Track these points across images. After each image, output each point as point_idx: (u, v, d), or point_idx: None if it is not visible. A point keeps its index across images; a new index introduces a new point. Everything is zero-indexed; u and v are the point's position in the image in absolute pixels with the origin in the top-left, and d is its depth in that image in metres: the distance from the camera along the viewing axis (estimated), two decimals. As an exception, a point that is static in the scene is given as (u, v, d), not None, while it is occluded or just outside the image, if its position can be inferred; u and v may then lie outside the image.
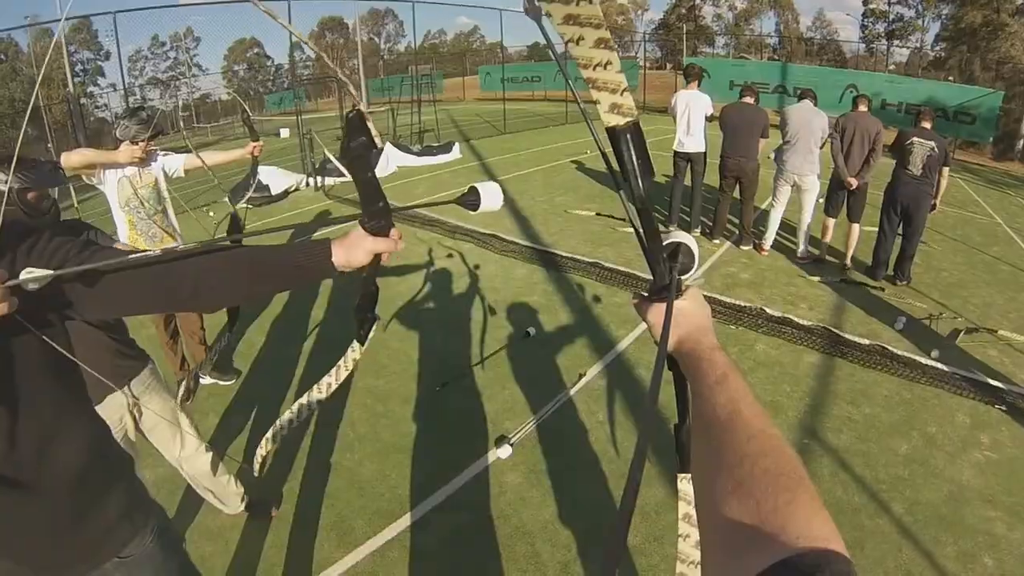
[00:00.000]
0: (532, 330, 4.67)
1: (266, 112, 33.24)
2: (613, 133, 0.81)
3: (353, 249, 1.27)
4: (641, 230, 0.87)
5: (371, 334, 1.46)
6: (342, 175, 9.68)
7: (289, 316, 5.21)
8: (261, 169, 9.13)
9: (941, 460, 3.65)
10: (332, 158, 9.74)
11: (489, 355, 4.30)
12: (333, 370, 1.56)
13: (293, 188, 9.43)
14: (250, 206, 8.56)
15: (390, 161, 10.98)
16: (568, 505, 3.02)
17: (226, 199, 8.84)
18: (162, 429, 2.54)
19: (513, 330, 4.73)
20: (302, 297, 5.46)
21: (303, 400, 1.56)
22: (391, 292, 5.44)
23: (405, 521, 2.98)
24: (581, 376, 4.08)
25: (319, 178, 9.72)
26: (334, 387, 1.54)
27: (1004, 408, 4.26)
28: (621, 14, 62.85)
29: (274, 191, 8.95)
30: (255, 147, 3.33)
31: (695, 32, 49.71)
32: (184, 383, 3.94)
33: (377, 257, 1.30)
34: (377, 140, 1.28)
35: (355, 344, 1.50)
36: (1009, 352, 5.20)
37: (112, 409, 2.30)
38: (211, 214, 8.27)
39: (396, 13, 59.60)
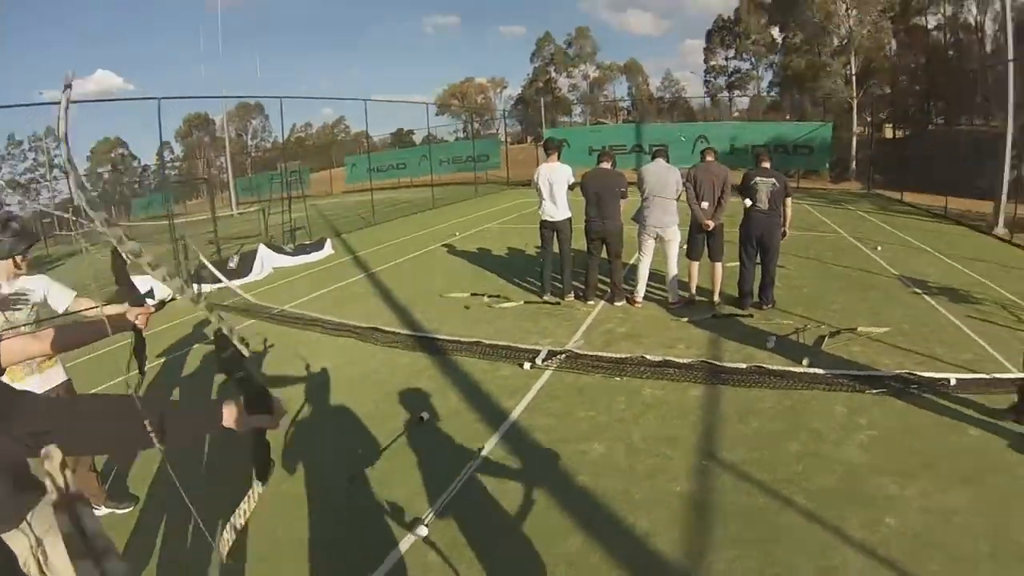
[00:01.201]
0: (425, 414, 4.82)
1: (132, 217, 32.00)
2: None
3: (241, 420, 1.63)
4: None
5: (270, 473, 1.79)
6: (219, 281, 9.56)
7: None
8: (138, 278, 8.93)
9: (829, 448, 4.15)
10: (208, 264, 9.63)
11: (389, 444, 4.43)
12: (243, 503, 1.79)
13: (169, 298, 9.19)
14: None
15: (265, 264, 10.93)
16: (493, 570, 3.18)
17: None
18: None
19: (408, 416, 4.88)
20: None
21: (225, 534, 1.77)
22: (283, 394, 5.46)
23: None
24: (480, 450, 4.27)
25: (196, 286, 9.53)
26: (246, 517, 1.78)
27: (875, 391, 4.95)
28: (481, 93, 66.07)
29: (150, 302, 8.69)
30: (142, 313, 2.60)
31: (552, 104, 52.86)
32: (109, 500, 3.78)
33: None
34: (244, 351, 1.66)
35: (256, 484, 1.80)
36: (870, 344, 6.02)
37: (20, 543, 1.98)
38: None
39: (263, 106, 59.92)
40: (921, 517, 3.38)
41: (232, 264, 10.54)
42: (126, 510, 3.95)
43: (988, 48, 35.17)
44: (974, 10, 36.89)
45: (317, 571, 3.25)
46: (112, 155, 55.96)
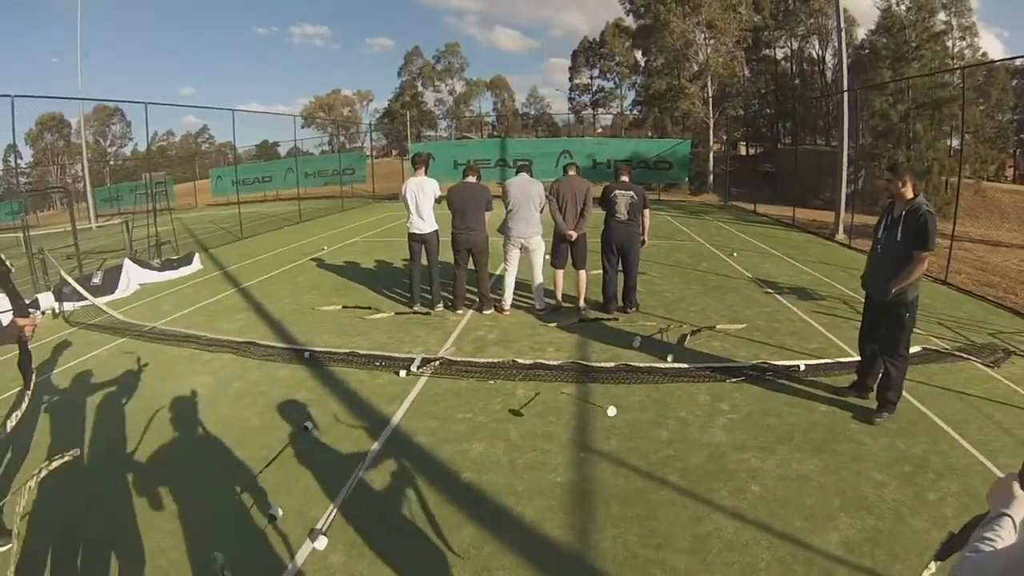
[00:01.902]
0: (309, 424, 4.78)
1: None
2: None
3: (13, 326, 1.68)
4: None
5: None
6: (82, 299, 8.85)
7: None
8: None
9: (696, 432, 4.54)
10: (70, 279, 8.86)
11: (275, 455, 4.34)
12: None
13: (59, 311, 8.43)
14: None
15: (131, 279, 10.20)
16: (395, 566, 3.21)
17: None
18: None
19: (291, 428, 4.80)
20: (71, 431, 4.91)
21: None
22: (164, 413, 5.20)
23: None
24: (364, 457, 4.28)
25: (57, 304, 8.75)
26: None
27: (733, 380, 5.45)
28: (347, 106, 65.11)
29: (3, 322, 7.83)
30: (28, 324, 2.61)
31: (418, 117, 52.99)
32: None
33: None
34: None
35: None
36: (728, 339, 6.61)
37: None
38: None
39: (123, 112, 55.49)
40: (781, 484, 3.81)
41: (96, 280, 9.73)
42: (4, 547, 3.41)
43: (829, 78, 39.50)
44: (817, 45, 41.46)
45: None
46: None
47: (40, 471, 1.86)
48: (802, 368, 5.56)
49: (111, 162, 50.69)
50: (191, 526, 3.63)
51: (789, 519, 3.44)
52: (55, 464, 2.01)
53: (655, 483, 3.87)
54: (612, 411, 4.72)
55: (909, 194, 4.49)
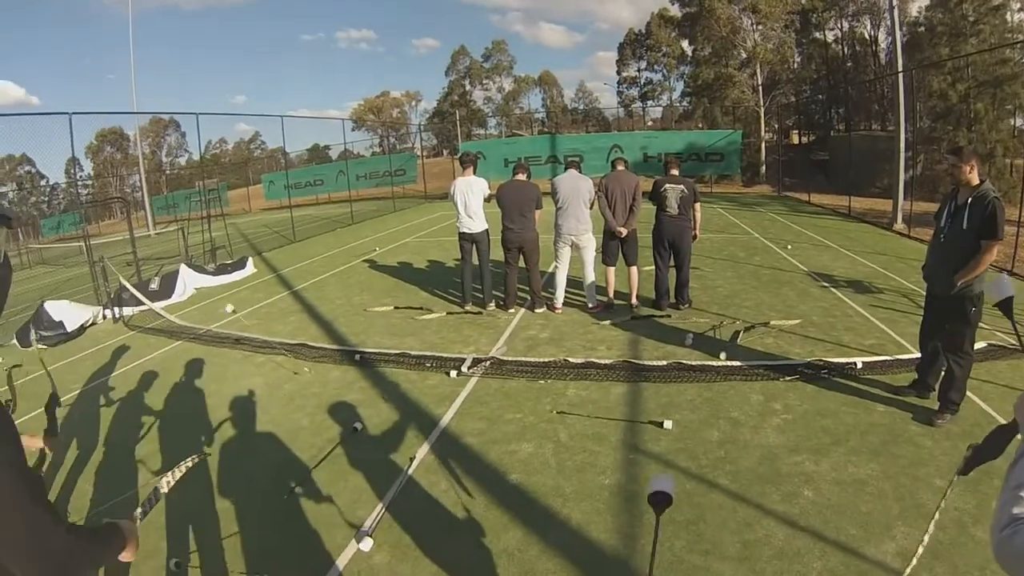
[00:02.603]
0: (359, 425, 4.85)
1: (42, 239, 30.21)
2: None
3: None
4: None
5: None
6: (140, 304, 9.23)
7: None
8: (52, 305, 8.53)
9: (748, 433, 4.43)
10: (128, 286, 9.25)
11: (325, 455, 4.42)
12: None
13: (89, 322, 8.77)
14: (45, 347, 7.88)
15: (187, 284, 10.60)
16: (441, 567, 3.23)
17: (14, 341, 8.05)
18: None
19: (341, 428, 4.88)
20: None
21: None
22: (218, 412, 5.37)
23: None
24: (412, 459, 4.32)
25: (116, 309, 9.13)
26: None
27: (788, 378, 5.30)
28: (397, 107, 65.76)
29: (69, 328, 8.23)
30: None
31: (468, 116, 53.21)
32: None
33: None
34: None
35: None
36: (782, 336, 6.44)
37: None
38: (0, 360, 7.55)
39: (178, 122, 57.37)
40: (835, 488, 3.68)
41: (154, 285, 10.19)
42: None
43: (883, 59, 38.08)
44: (868, 25, 39.96)
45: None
46: (17, 173, 52.63)
47: (173, 472, 1.97)
48: (859, 366, 5.37)
49: (167, 171, 52.35)
50: (243, 524, 3.72)
51: (843, 527, 3.31)
52: (187, 465, 2.16)
53: (705, 486, 3.79)
54: (668, 424, 4.60)
55: (975, 179, 4.24)
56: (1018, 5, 32.07)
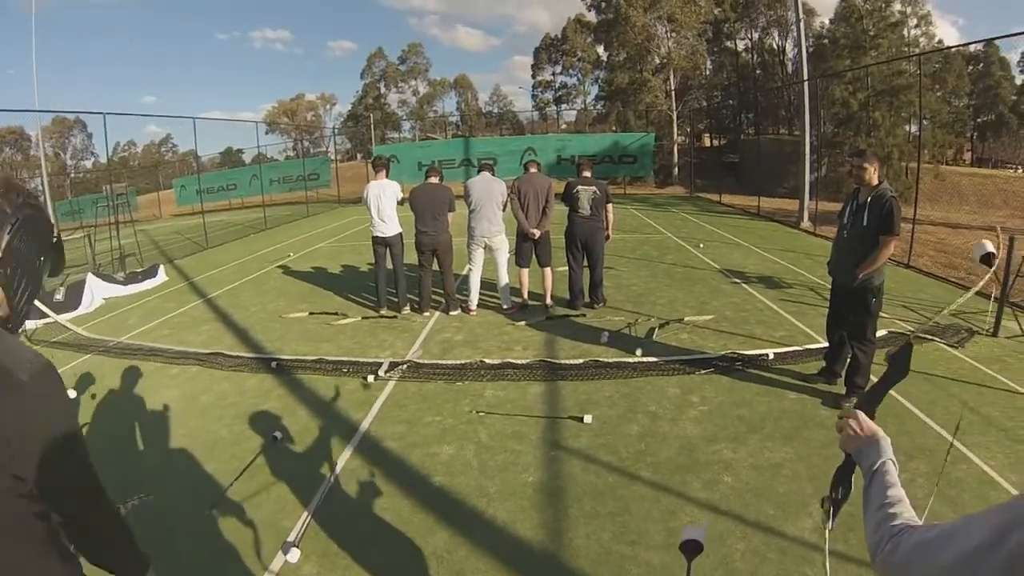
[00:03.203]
0: (278, 433, 4.68)
1: None
2: None
3: None
4: None
5: None
6: (44, 316, 8.63)
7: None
8: None
9: (666, 426, 4.54)
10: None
11: (245, 467, 4.24)
12: None
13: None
14: None
15: (95, 294, 9.97)
16: (370, 572, 3.16)
17: None
18: None
19: (261, 438, 4.70)
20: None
21: None
22: (131, 429, 5.07)
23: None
24: (333, 467, 4.20)
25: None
26: None
27: (703, 372, 5.47)
28: (311, 110, 64.44)
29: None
30: None
31: (382, 120, 52.61)
32: None
33: None
34: None
35: None
36: (696, 331, 6.64)
37: None
38: None
39: (85, 123, 54.16)
40: (753, 473, 3.82)
41: (59, 296, 9.51)
42: None
43: (790, 68, 40.13)
44: (776, 36, 42.09)
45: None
46: None
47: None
48: (771, 356, 5.61)
49: (72, 174, 49.75)
50: (163, 540, 3.53)
51: (762, 508, 3.44)
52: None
53: (627, 478, 3.85)
54: (588, 418, 4.65)
55: (874, 180, 4.55)
56: (914, 22, 34.50)
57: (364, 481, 4.04)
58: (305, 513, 3.68)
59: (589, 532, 3.34)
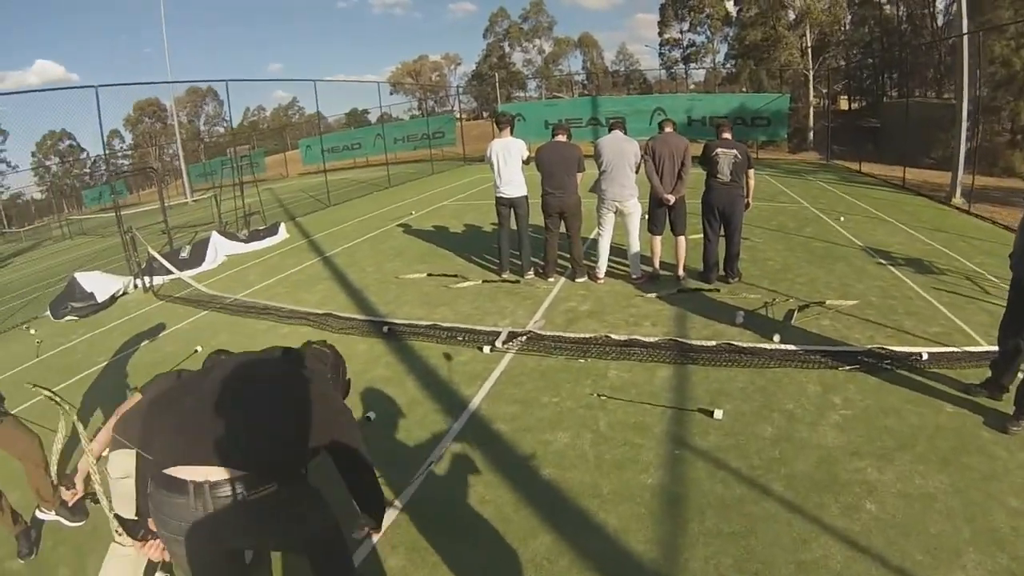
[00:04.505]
0: (372, 414, 4.53)
1: (85, 209, 30.86)
2: None
3: None
4: None
5: None
6: (170, 273, 9.17)
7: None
8: (83, 276, 8.55)
9: (804, 431, 4.01)
10: (157, 255, 9.20)
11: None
12: None
13: (120, 292, 8.76)
14: (76, 318, 7.89)
15: (218, 251, 10.50)
16: (460, 574, 2.96)
17: (47, 313, 8.13)
18: None
19: (363, 409, 4.60)
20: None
21: None
22: None
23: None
24: (438, 444, 4.02)
25: (147, 278, 9.09)
26: None
27: (847, 368, 4.82)
28: (436, 71, 64.90)
29: (100, 298, 8.24)
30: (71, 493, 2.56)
31: (507, 79, 52.16)
32: (21, 537, 3.43)
33: None
34: None
35: None
36: (839, 317, 5.92)
37: None
38: (32, 332, 7.51)
39: (217, 92, 57.45)
40: (901, 503, 3.26)
41: (184, 254, 10.11)
42: (76, 523, 3.60)
43: (940, 22, 35.87)
44: (926, -14, 37.57)
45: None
46: (60, 147, 53.59)
47: None
48: (924, 357, 4.84)
49: (205, 139, 52.65)
50: None
51: (909, 550, 2.91)
52: None
53: (757, 492, 3.41)
54: (719, 414, 4.22)
55: None
56: (1089, -30, 29.80)
57: (468, 467, 3.82)
58: (397, 500, 3.50)
59: (708, 555, 2.95)
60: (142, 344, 6.58)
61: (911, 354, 4.93)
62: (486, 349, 5.52)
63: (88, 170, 50.86)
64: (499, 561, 3.02)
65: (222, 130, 58.39)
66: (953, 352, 5.00)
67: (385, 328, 6.21)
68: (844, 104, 36.87)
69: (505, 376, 5.04)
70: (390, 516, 3.37)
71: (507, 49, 57.59)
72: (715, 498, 3.37)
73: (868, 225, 10.11)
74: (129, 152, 52.90)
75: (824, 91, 32.42)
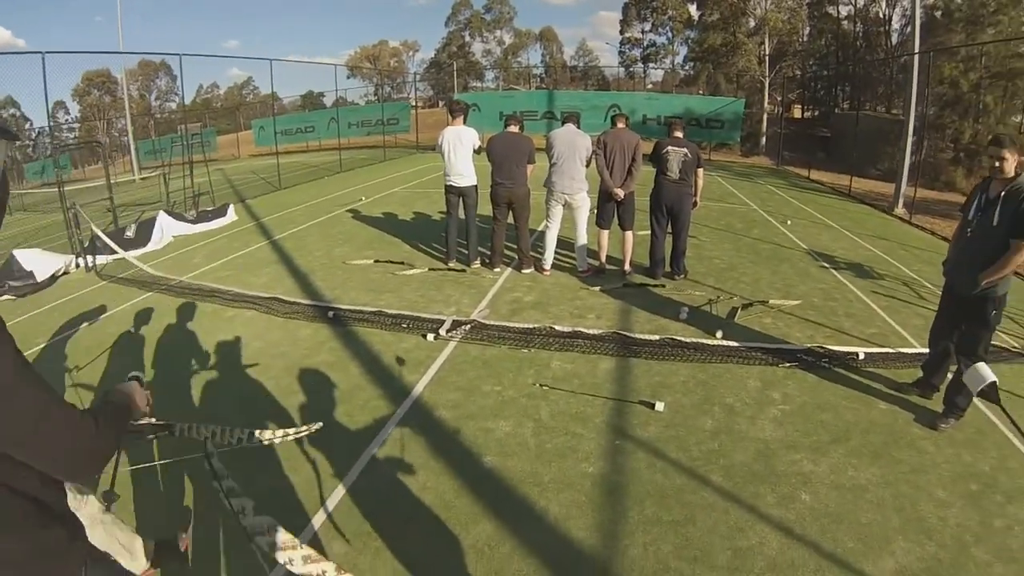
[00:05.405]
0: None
1: (26, 183, 29.44)
2: None
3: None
4: None
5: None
6: (114, 252, 8.82)
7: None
8: (22, 253, 8.11)
9: (743, 424, 4.11)
10: (100, 234, 8.83)
11: (289, 425, 4.08)
12: None
13: (61, 271, 8.37)
14: (14, 297, 7.51)
15: (164, 231, 10.16)
16: (400, 562, 2.91)
17: None
18: None
19: (305, 397, 4.52)
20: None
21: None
22: (180, 372, 4.99)
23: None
24: (381, 429, 3.98)
25: (89, 257, 8.72)
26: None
27: (787, 365, 4.97)
28: (394, 56, 64.17)
29: (39, 277, 7.83)
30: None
31: (465, 68, 51.95)
32: None
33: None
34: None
35: None
36: (781, 317, 6.08)
37: None
38: None
39: (170, 66, 55.72)
40: (834, 493, 3.38)
41: (130, 233, 9.72)
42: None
43: (894, 40, 37.12)
44: (884, 4, 38.80)
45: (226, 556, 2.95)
46: (3, 116, 51.15)
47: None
48: (861, 356, 5.02)
49: (155, 115, 51.06)
50: (191, 493, 3.40)
51: (841, 538, 3.02)
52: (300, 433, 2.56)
53: (696, 482, 3.47)
54: (660, 406, 4.28)
55: (1011, 171, 3.78)
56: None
57: (410, 454, 3.78)
58: (341, 485, 3.46)
59: (648, 542, 3.00)
60: (82, 326, 6.29)
61: (848, 353, 5.10)
62: (430, 337, 5.48)
63: (31, 142, 48.85)
64: (442, 547, 3.00)
65: (174, 106, 56.65)
66: (888, 353, 5.21)
67: (330, 314, 6.12)
68: (797, 112, 37.91)
69: (448, 364, 5.01)
70: (334, 500, 3.34)
71: (467, 39, 57.45)
72: (655, 487, 3.42)
73: (814, 230, 10.43)
74: (76, 125, 50.83)
75: (779, 98, 33.29)
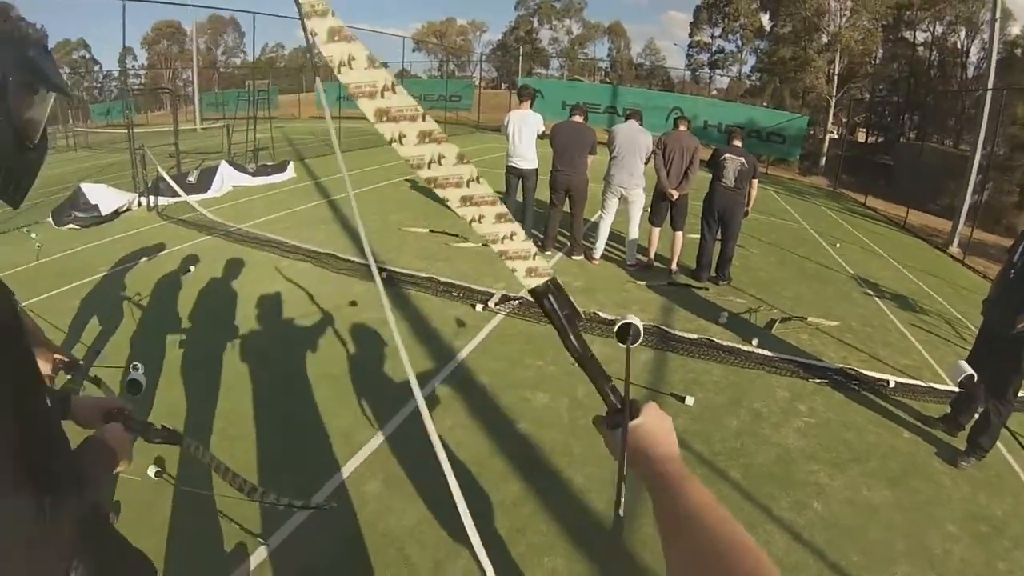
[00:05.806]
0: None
1: (91, 123, 30.39)
2: (535, 294, 0.92)
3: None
4: (586, 372, 0.99)
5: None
6: (176, 195, 9.23)
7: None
8: (89, 187, 8.57)
9: (768, 429, 4.25)
10: (166, 176, 9.24)
11: (334, 371, 4.33)
12: None
13: (124, 208, 8.81)
14: (78, 227, 7.95)
15: (225, 180, 10.57)
16: (431, 508, 3.13)
17: (49, 220, 8.13)
18: None
19: (353, 349, 4.77)
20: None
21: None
22: (233, 313, 5.29)
23: (276, 539, 2.90)
24: (424, 386, 4.21)
25: (152, 197, 9.14)
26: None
27: (817, 381, 5.08)
28: (461, 35, 64.26)
29: (104, 211, 8.29)
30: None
31: (531, 54, 51.87)
32: None
33: None
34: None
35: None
36: (818, 335, 6.16)
37: None
38: (33, 236, 7.56)
39: (239, 23, 56.90)
40: (846, 508, 3.50)
41: (191, 179, 10.18)
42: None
43: (970, 73, 36.04)
44: (963, 35, 37.61)
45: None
46: (73, 57, 52.53)
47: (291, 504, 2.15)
48: (892, 384, 5.10)
49: (220, 69, 52.01)
50: (242, 429, 3.65)
51: (846, 551, 3.15)
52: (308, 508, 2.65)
53: (715, 475, 3.64)
54: (690, 401, 4.44)
55: None
56: None
57: (449, 413, 4.00)
58: (380, 432, 3.70)
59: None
60: (142, 260, 6.66)
61: (879, 380, 5.18)
62: (479, 307, 5.71)
63: (99, 83, 50.07)
64: (470, 500, 3.15)
65: (238, 61, 57.74)
66: (919, 385, 5.25)
67: (384, 274, 6.35)
68: (861, 136, 37.17)
69: (494, 335, 5.23)
70: (373, 444, 3.57)
71: (535, 24, 57.26)
72: (676, 476, 3.58)
73: (863, 256, 10.40)
74: (142, 72, 52.19)
75: (844, 120, 32.72)
